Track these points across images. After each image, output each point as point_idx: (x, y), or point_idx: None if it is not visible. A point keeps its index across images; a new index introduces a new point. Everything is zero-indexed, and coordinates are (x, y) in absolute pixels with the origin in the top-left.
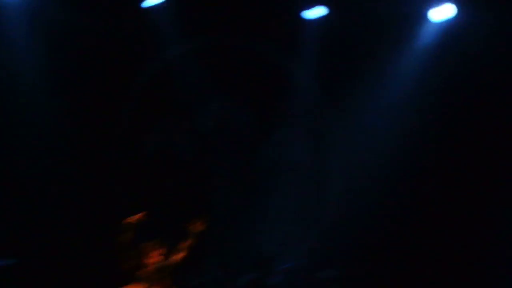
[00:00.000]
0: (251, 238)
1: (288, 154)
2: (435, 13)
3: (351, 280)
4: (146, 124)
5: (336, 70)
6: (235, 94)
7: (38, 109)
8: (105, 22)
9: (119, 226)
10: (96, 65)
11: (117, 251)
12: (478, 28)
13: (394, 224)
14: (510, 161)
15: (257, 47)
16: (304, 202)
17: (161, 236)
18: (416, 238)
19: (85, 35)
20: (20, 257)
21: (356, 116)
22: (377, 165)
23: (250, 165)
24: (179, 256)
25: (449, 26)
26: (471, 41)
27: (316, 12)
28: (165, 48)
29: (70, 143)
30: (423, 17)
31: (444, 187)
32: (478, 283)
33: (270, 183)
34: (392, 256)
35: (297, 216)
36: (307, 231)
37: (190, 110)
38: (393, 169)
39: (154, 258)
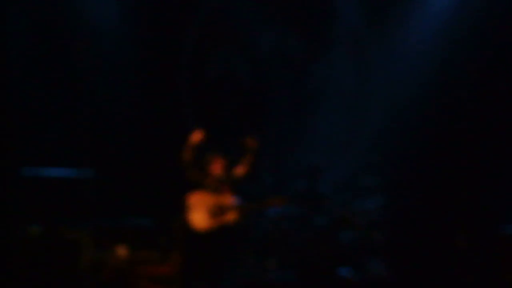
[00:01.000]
0: (303, 152)
1: (334, 75)
2: None
3: (391, 189)
4: (210, 52)
5: (379, 3)
6: (288, 23)
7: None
8: None
9: (185, 144)
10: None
11: (184, 164)
12: None
13: (427, 138)
14: None
15: None
16: (349, 119)
17: (225, 151)
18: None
19: None
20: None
21: (397, 42)
22: (415, 85)
23: (301, 86)
24: (240, 168)
25: None
26: None
27: None
28: None
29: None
30: None
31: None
32: None
33: (318, 101)
34: (427, 166)
35: (343, 131)
36: (352, 144)
37: (249, 38)
38: (430, 90)
39: (218, 169)
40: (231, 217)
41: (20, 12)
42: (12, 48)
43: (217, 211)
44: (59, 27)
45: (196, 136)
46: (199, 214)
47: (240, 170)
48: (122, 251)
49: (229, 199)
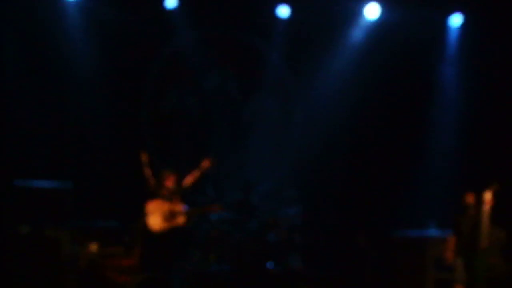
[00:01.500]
0: (238, 170)
1: (264, 109)
2: (369, 11)
3: (308, 199)
4: (167, 88)
5: (299, 54)
6: (228, 68)
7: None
8: (140, 19)
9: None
10: (132, 47)
11: (145, 178)
12: (402, 27)
13: (337, 160)
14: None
15: (244, 37)
16: (276, 144)
17: (176, 167)
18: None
19: (124, 28)
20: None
21: (313, 82)
22: (328, 118)
23: (237, 117)
24: (187, 180)
25: (380, 24)
26: (396, 38)
27: (285, 11)
28: (180, 36)
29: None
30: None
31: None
32: None
33: (251, 130)
34: (336, 182)
35: (270, 154)
36: (277, 165)
37: (197, 79)
38: (339, 122)
39: (170, 183)
40: (180, 220)
41: (14, 42)
42: (5, 79)
43: (169, 216)
44: (46, 64)
45: (143, 156)
46: (155, 218)
47: (187, 181)
48: (93, 246)
49: (179, 206)
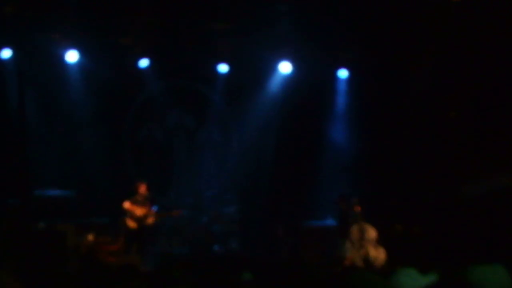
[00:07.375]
0: (192, 181)
1: (210, 136)
2: (283, 67)
3: (242, 201)
4: (140, 124)
5: (234, 97)
6: (184, 107)
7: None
8: (122, 75)
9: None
10: (116, 94)
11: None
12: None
13: (263, 173)
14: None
15: (196, 85)
16: (219, 162)
17: (147, 178)
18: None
19: (111, 81)
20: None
21: (246, 114)
22: (258, 141)
23: (192, 143)
24: (159, 215)
25: (291, 76)
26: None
27: (224, 67)
28: (150, 86)
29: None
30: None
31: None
32: None
33: (202, 152)
34: (262, 188)
35: (215, 168)
36: (220, 177)
37: (163, 117)
38: (263, 147)
39: (143, 190)
40: (150, 220)
41: (34, 91)
42: (28, 119)
43: (142, 217)
44: (57, 107)
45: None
46: (132, 218)
47: (158, 215)
48: (90, 237)
49: (149, 208)
